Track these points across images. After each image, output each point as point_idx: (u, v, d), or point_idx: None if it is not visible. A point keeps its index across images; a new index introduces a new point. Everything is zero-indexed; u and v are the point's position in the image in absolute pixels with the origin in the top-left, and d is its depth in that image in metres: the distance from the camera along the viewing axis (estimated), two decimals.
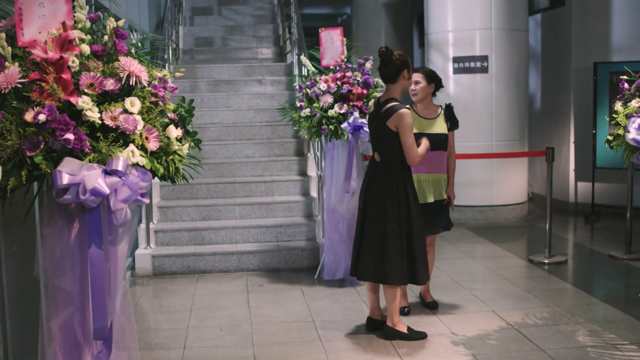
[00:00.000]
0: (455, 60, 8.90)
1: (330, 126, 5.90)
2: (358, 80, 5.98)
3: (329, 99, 5.89)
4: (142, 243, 6.78)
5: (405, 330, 4.72)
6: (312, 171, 7.74)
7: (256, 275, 6.54)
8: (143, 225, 6.81)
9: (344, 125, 5.79)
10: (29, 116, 2.50)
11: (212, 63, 10.33)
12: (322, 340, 4.75)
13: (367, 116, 5.36)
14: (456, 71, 8.90)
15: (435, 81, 5.29)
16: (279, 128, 8.34)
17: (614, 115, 3.65)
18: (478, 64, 8.78)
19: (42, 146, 2.52)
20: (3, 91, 2.53)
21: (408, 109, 4.57)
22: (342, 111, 5.84)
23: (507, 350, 4.46)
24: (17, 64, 2.61)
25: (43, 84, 2.57)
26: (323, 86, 5.92)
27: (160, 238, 6.88)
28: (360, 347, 4.61)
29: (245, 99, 9.19)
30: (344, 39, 6.26)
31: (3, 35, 2.62)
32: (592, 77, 9.02)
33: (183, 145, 2.87)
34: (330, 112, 5.87)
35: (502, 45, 8.79)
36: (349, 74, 5.98)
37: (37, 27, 2.71)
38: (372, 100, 5.91)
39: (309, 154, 8.00)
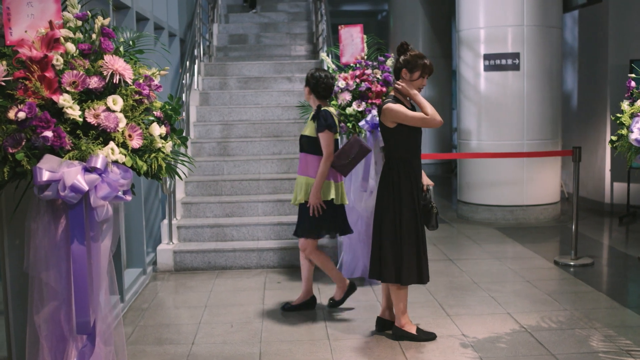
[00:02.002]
0: (486, 57, 8.77)
1: (348, 124, 5.87)
2: (378, 78, 5.94)
3: (347, 96, 5.87)
4: (164, 239, 6.86)
5: (413, 331, 4.67)
6: None
7: (276, 273, 6.55)
8: (166, 221, 6.88)
9: (362, 123, 5.76)
10: (11, 113, 2.55)
11: (244, 60, 10.39)
12: (330, 339, 4.74)
13: None
14: (487, 68, 8.77)
15: (309, 84, 5.21)
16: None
17: (618, 115, 3.54)
18: (509, 62, 8.64)
19: (24, 143, 2.56)
20: None
21: (390, 102, 4.52)
22: (360, 109, 5.81)
23: (515, 354, 4.37)
24: (4, 62, 2.66)
25: (27, 82, 2.61)
26: (342, 83, 5.89)
27: (182, 234, 6.94)
28: (368, 347, 4.58)
29: (274, 96, 9.21)
30: (365, 36, 6.21)
31: None
32: (628, 75, 8.78)
33: (167, 142, 2.88)
34: (348, 110, 5.84)
35: (535, 43, 8.63)
36: (368, 71, 5.94)
37: (26, 26, 2.75)
38: None
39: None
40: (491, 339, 4.65)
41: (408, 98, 4.61)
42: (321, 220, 5.16)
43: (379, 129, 5.74)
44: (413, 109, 4.61)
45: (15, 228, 3.31)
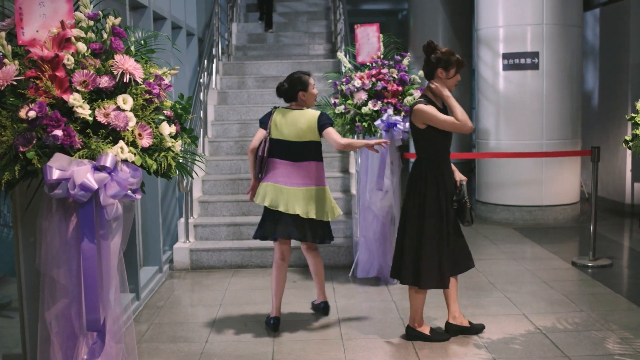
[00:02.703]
0: (505, 56, 8.71)
1: (364, 123, 5.86)
2: (394, 77, 5.92)
3: (363, 95, 5.86)
4: (181, 237, 6.90)
5: (427, 331, 4.66)
6: (354, 168, 7.70)
7: (291, 272, 6.55)
8: (182, 220, 6.92)
9: (377, 122, 5.74)
10: (22, 112, 2.57)
11: (263, 59, 10.41)
12: (344, 338, 4.73)
13: None
14: (506, 68, 8.71)
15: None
16: None
17: (633, 115, 3.50)
18: (528, 61, 8.57)
19: (34, 142, 2.59)
20: (0, 88, 2.61)
21: (420, 103, 4.47)
22: (375, 108, 5.79)
23: (529, 356, 4.34)
24: (16, 62, 2.69)
25: (38, 82, 2.63)
26: (357, 83, 5.88)
27: (199, 232, 6.98)
28: (380, 347, 4.57)
29: None
30: (381, 35, 6.19)
31: (3, 34, 2.70)
32: None
33: (177, 141, 2.90)
34: (364, 109, 5.83)
35: (554, 41, 8.56)
36: (384, 70, 5.93)
37: (38, 25, 2.78)
38: (408, 98, 5.87)
39: (351, 151, 7.96)
40: (505, 340, 4.62)
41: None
42: (263, 220, 5.01)
43: (394, 128, 5.75)
44: (444, 110, 4.54)
45: (28, 226, 3.35)
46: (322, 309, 5.26)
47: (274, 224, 4.89)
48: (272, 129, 4.92)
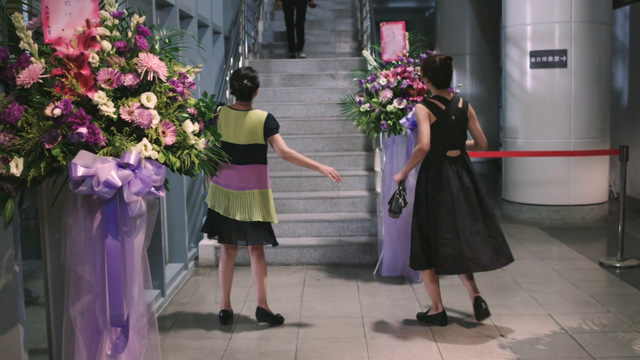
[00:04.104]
0: (533, 54, 8.63)
1: (389, 121, 5.84)
2: (419, 75, 5.89)
3: (388, 94, 5.84)
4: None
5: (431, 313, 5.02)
6: (379, 167, 7.69)
7: (316, 270, 6.56)
8: None
9: (403, 120, 5.72)
10: (48, 110, 2.60)
11: (288, 57, 10.43)
12: (367, 337, 4.73)
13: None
14: (533, 66, 8.63)
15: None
16: (349, 123, 8.27)
17: None
18: (556, 59, 8.48)
19: (59, 139, 2.62)
20: (26, 86, 2.65)
21: (422, 102, 4.83)
22: (401, 106, 5.77)
23: (554, 356, 4.30)
24: (42, 60, 2.72)
25: (64, 80, 2.66)
26: (383, 81, 5.87)
27: None
28: (404, 346, 4.56)
29: (318, 93, 9.23)
30: (407, 33, 6.17)
31: (29, 32, 2.74)
32: None
33: (200, 139, 2.91)
34: (389, 107, 5.81)
35: (583, 39, 8.46)
36: (409, 68, 5.91)
37: (64, 24, 2.81)
38: None
39: (377, 150, 7.95)
40: (530, 340, 4.58)
41: (453, 101, 4.83)
42: (209, 218, 5.03)
43: None
44: (445, 112, 4.76)
45: (54, 223, 3.39)
46: (256, 314, 5.07)
47: (219, 226, 4.93)
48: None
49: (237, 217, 4.80)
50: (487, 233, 4.74)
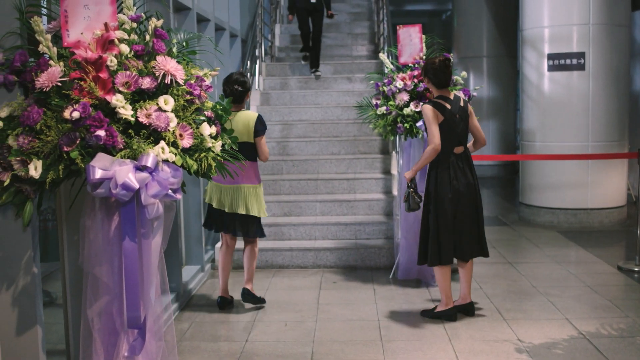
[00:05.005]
0: (550, 57, 8.58)
1: (406, 124, 5.83)
2: None
3: (405, 96, 5.83)
4: None
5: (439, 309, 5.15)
6: (395, 169, 7.68)
7: (332, 273, 6.56)
8: None
9: (419, 123, 5.71)
10: (66, 113, 2.63)
11: (305, 60, 10.42)
12: (383, 340, 4.72)
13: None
14: (551, 68, 8.59)
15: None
16: (365, 125, 8.29)
17: None
18: (574, 61, 8.44)
19: (78, 142, 2.64)
20: (45, 89, 2.67)
21: (428, 103, 4.99)
22: (417, 109, 5.76)
23: None
24: (61, 63, 2.75)
25: (82, 83, 2.68)
26: (399, 84, 5.86)
27: None
28: (420, 350, 4.54)
29: (334, 96, 9.24)
30: (424, 36, 6.16)
31: (49, 36, 2.77)
32: None
33: (217, 142, 2.92)
34: (406, 110, 5.80)
35: (601, 41, 8.41)
36: None
37: (82, 28, 2.83)
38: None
39: (393, 152, 7.94)
40: (547, 345, 4.55)
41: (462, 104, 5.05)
42: (209, 213, 5.50)
43: None
44: (450, 111, 4.95)
45: (73, 224, 3.42)
46: (241, 294, 5.52)
47: (215, 217, 5.42)
48: None
49: (226, 209, 5.28)
50: (477, 225, 5.10)
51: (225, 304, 5.50)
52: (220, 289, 5.53)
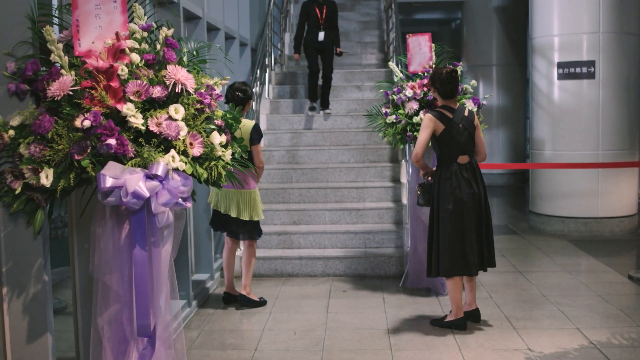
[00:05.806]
0: (560, 65, 8.57)
1: (415, 133, 5.83)
2: None
3: (414, 105, 5.84)
4: None
5: (448, 318, 5.14)
6: (405, 178, 7.67)
7: (341, 281, 6.55)
8: None
9: None
10: (78, 122, 2.64)
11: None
12: (393, 349, 4.71)
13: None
14: (561, 77, 8.58)
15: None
16: (375, 134, 8.28)
17: None
18: (584, 70, 8.42)
19: (89, 150, 2.65)
20: (56, 98, 2.69)
21: (430, 112, 5.07)
22: None
23: None
24: (73, 72, 2.76)
25: (93, 92, 2.70)
26: (409, 92, 5.87)
27: None
28: (430, 358, 4.53)
29: (344, 104, 9.24)
30: (433, 44, 6.16)
31: (60, 45, 2.79)
32: None
33: (227, 150, 2.93)
34: (415, 119, 5.80)
35: (611, 50, 8.39)
36: None
37: (93, 37, 2.85)
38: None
39: (403, 161, 7.94)
40: (558, 355, 4.53)
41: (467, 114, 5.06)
42: (213, 215, 5.81)
43: None
44: (452, 120, 4.98)
45: (83, 232, 3.43)
46: (238, 301, 5.79)
47: (216, 219, 5.74)
48: None
49: (222, 210, 5.61)
50: (486, 238, 5.04)
51: (230, 300, 5.82)
52: (225, 285, 5.86)
